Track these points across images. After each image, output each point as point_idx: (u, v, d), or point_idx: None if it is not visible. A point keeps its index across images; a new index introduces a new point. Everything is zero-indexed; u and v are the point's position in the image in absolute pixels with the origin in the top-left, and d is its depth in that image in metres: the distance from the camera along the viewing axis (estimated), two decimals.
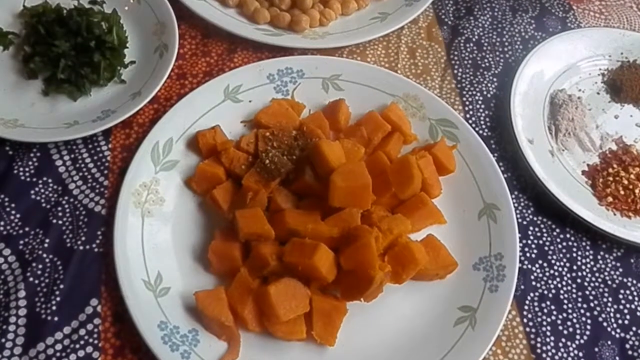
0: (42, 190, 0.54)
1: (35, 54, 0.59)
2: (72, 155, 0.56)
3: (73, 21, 0.60)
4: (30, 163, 0.55)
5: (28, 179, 0.55)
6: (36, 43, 0.60)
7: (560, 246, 0.57)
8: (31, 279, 0.50)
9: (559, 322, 0.53)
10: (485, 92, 0.66)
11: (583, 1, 0.75)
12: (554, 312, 0.53)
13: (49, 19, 0.60)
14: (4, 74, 0.60)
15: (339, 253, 0.49)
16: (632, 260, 0.57)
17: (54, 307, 0.49)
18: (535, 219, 0.58)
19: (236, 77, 0.61)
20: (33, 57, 0.59)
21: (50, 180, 0.55)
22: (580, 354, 0.51)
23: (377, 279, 0.48)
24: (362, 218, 0.51)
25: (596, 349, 0.52)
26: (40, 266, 0.51)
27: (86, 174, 0.55)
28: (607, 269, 0.56)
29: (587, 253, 0.57)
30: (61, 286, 0.50)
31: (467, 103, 0.65)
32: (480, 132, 0.63)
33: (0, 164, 0.55)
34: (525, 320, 0.52)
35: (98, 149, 0.57)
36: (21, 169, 0.55)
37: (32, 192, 0.54)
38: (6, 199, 0.54)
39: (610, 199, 0.59)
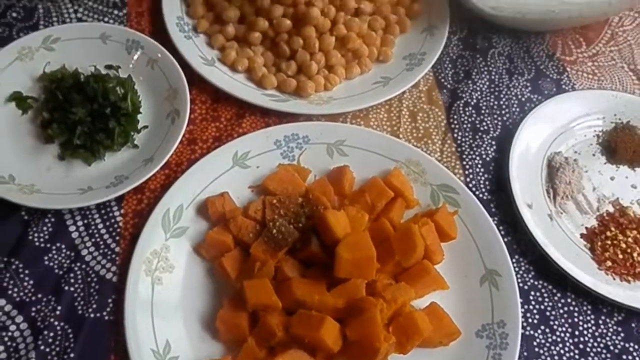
0: (56, 256, 0.53)
1: (53, 120, 0.58)
2: (85, 221, 0.55)
3: (90, 88, 0.59)
4: (44, 229, 0.54)
5: (42, 245, 0.54)
6: (54, 109, 0.59)
7: (561, 311, 0.55)
8: (42, 347, 0.49)
9: None
10: (484, 156, 0.65)
11: (576, 63, 0.75)
12: None
13: (67, 85, 0.60)
14: (22, 138, 0.59)
15: (344, 324, 0.48)
16: (633, 325, 0.55)
17: None
18: (536, 283, 0.57)
19: (244, 144, 0.60)
20: (51, 124, 0.58)
21: (63, 246, 0.54)
22: None
23: (382, 350, 0.46)
24: (366, 286, 0.49)
25: None
26: (51, 334, 0.49)
27: (98, 240, 0.54)
28: (609, 334, 0.54)
29: (588, 317, 0.55)
30: (71, 355, 0.48)
31: (467, 167, 0.64)
32: (481, 195, 0.62)
33: (16, 230, 0.54)
34: None
35: (110, 214, 0.56)
36: (36, 234, 0.54)
37: (46, 258, 0.53)
38: (20, 265, 0.52)
39: (609, 263, 0.58)
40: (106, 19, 0.68)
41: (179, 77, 0.62)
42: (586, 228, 0.61)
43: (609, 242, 0.59)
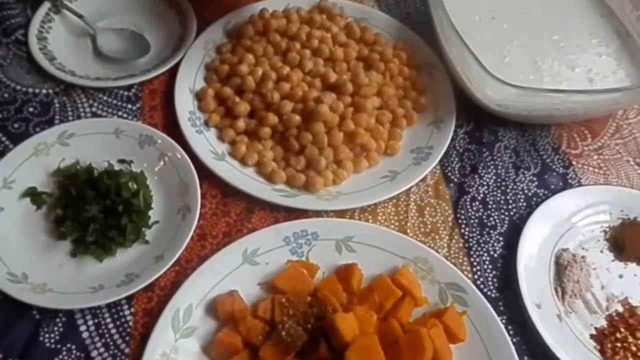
0: (66, 358, 0.57)
1: (66, 217, 0.64)
2: (96, 320, 0.59)
3: (103, 184, 0.65)
4: (55, 329, 0.58)
5: (53, 346, 0.58)
6: (67, 205, 0.65)
7: None
8: None
9: None
10: (492, 252, 0.70)
11: (582, 156, 0.81)
12: None
13: (81, 180, 0.66)
14: (35, 235, 0.64)
15: None
16: None
17: None
18: None
19: (254, 240, 0.65)
20: (64, 221, 0.63)
21: (73, 347, 0.58)
22: None
23: None
24: None
25: None
26: None
27: (108, 340, 0.58)
28: None
29: None
30: None
31: (475, 263, 0.69)
32: (489, 293, 0.66)
33: (27, 330, 0.58)
34: None
35: (121, 313, 0.60)
36: (47, 335, 0.58)
37: (56, 359, 0.57)
38: None
39: None
40: (120, 113, 0.75)
41: (191, 172, 0.68)
42: (595, 328, 0.65)
43: (619, 344, 0.63)
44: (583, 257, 0.70)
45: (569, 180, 0.78)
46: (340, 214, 0.71)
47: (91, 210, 0.63)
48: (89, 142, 0.70)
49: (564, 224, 0.73)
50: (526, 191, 0.76)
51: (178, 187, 0.68)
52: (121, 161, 0.70)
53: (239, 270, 0.63)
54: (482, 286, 0.67)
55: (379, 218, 0.72)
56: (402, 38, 0.88)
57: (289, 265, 0.64)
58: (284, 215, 0.70)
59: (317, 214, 0.70)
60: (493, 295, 0.66)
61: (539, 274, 0.68)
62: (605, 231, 0.74)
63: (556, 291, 0.67)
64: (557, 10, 0.90)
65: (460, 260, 0.69)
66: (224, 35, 0.84)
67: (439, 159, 0.75)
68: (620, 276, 0.70)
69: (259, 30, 0.84)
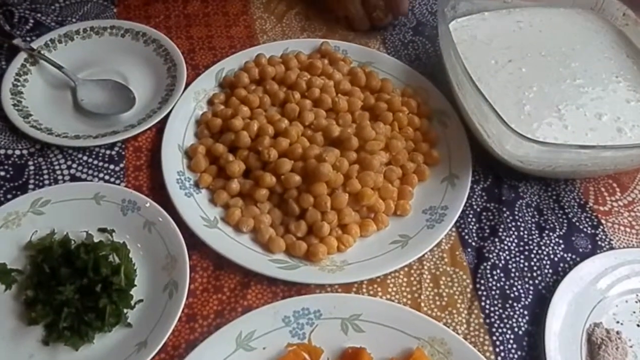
0: None
1: (38, 299, 0.59)
2: None
3: (80, 260, 0.60)
4: None
5: None
6: (40, 285, 0.60)
7: None
8: None
9: None
10: (516, 329, 0.65)
11: (611, 213, 0.76)
12: None
13: (56, 256, 0.61)
14: (3, 320, 0.59)
15: None
16: None
17: None
18: None
19: (249, 322, 0.60)
20: (36, 304, 0.58)
21: None
22: None
23: None
24: None
25: None
26: None
27: None
28: None
29: None
30: None
31: (498, 343, 0.63)
32: None
33: None
34: None
35: None
36: None
37: None
38: None
39: None
40: (101, 175, 0.70)
41: (179, 243, 0.63)
42: None
43: None
44: (618, 332, 0.65)
45: (599, 242, 0.73)
46: (347, 287, 0.65)
47: (65, 291, 0.58)
48: (66, 209, 0.65)
49: (595, 293, 0.67)
50: (552, 256, 0.71)
51: (165, 260, 0.63)
52: (102, 230, 0.65)
53: (232, 358, 0.58)
54: None
55: (390, 290, 0.66)
56: (411, 83, 0.84)
57: (289, 350, 0.59)
58: (283, 289, 0.65)
59: (321, 287, 0.65)
60: None
61: (569, 354, 0.62)
62: None
63: None
64: (579, 51, 0.86)
65: (482, 339, 0.64)
66: (217, 85, 0.80)
67: (454, 220, 0.70)
68: None
69: (255, 78, 0.80)
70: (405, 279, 0.68)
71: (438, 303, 0.66)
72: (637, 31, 0.87)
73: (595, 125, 0.77)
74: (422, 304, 0.66)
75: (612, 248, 0.72)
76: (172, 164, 0.71)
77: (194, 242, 0.65)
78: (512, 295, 0.67)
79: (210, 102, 0.78)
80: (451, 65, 0.77)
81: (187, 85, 0.78)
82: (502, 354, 0.63)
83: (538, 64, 0.83)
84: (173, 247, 0.64)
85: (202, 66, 0.83)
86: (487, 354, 0.62)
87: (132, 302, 0.61)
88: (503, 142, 0.71)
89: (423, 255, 0.69)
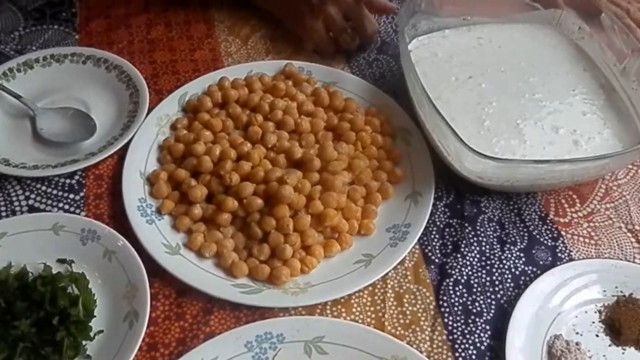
0: None
1: None
2: None
3: (37, 293, 0.59)
4: None
5: None
6: None
7: None
8: None
9: None
10: (478, 344, 0.64)
11: (571, 225, 0.76)
12: None
13: (12, 289, 0.59)
14: None
15: None
16: None
17: None
18: None
19: (211, 349, 0.59)
20: None
21: None
22: None
23: None
24: None
25: None
26: None
27: None
28: None
29: None
30: None
31: (460, 359, 0.63)
32: None
33: None
34: None
35: None
36: None
37: None
38: None
39: None
40: (61, 205, 0.69)
41: (140, 271, 0.62)
42: None
43: None
44: (577, 343, 0.65)
45: (559, 254, 0.73)
46: (311, 309, 0.64)
47: (21, 326, 0.56)
48: (24, 241, 0.64)
49: (555, 306, 0.67)
50: (513, 269, 0.71)
51: (125, 289, 0.62)
52: (60, 261, 0.63)
53: None
54: None
55: (354, 310, 0.66)
56: (375, 102, 0.83)
57: None
58: (247, 314, 0.64)
59: (285, 310, 0.64)
60: None
61: None
62: (599, 311, 0.68)
63: None
64: (537, 66, 0.86)
65: (444, 356, 0.63)
66: (180, 109, 0.79)
67: (417, 237, 0.70)
68: None
69: (218, 102, 0.79)
70: (369, 299, 0.67)
71: (402, 321, 0.65)
72: (592, 44, 0.88)
73: (552, 139, 0.77)
74: (386, 323, 0.65)
75: (571, 259, 0.72)
76: (134, 191, 0.69)
77: (156, 270, 0.64)
78: (474, 310, 0.67)
79: (173, 127, 0.77)
80: (411, 83, 0.77)
81: (150, 110, 0.77)
82: None
83: (497, 80, 0.83)
84: (134, 275, 0.62)
85: (166, 91, 0.82)
86: None
87: (92, 334, 0.59)
88: (461, 158, 0.70)
89: (387, 274, 0.68)
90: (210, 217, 0.69)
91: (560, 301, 0.67)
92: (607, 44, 0.86)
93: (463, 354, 0.63)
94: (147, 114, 0.77)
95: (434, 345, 0.64)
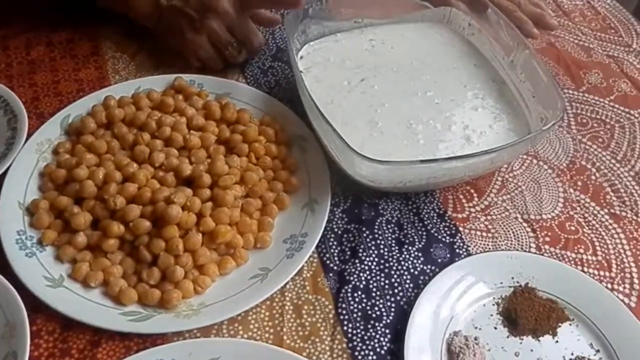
0: None
1: None
2: None
3: None
4: None
5: None
6: None
7: None
8: None
9: None
10: (378, 349, 0.64)
11: (469, 219, 0.77)
12: None
13: None
14: None
15: None
16: None
17: None
18: None
19: None
20: None
21: None
22: None
23: None
24: None
25: None
26: None
27: None
28: None
29: None
30: None
31: None
32: None
33: None
34: None
35: None
36: None
37: None
38: None
39: None
40: None
41: (18, 309, 0.59)
42: None
43: None
44: (476, 338, 0.66)
45: (457, 250, 0.74)
46: (206, 330, 0.63)
47: None
48: None
49: (452, 302, 0.68)
50: (412, 270, 0.71)
51: (3, 328, 0.59)
52: None
53: None
54: None
55: (251, 327, 0.65)
56: (269, 111, 0.83)
57: None
58: (138, 342, 0.62)
59: (178, 334, 0.62)
60: None
61: None
62: (497, 303, 0.70)
63: None
64: (429, 64, 0.88)
65: None
66: (63, 133, 0.76)
67: (314, 246, 0.70)
68: (517, 354, 0.66)
69: (103, 123, 0.76)
70: (267, 313, 0.66)
71: (301, 334, 0.65)
72: (482, 39, 0.90)
73: (445, 136, 0.78)
74: (285, 337, 0.64)
75: (469, 254, 0.73)
76: (11, 223, 0.66)
77: (38, 306, 0.61)
78: (373, 315, 0.67)
79: (55, 152, 0.74)
80: (301, 89, 0.76)
81: (30, 135, 0.74)
82: None
83: (390, 81, 0.84)
84: (12, 314, 0.59)
85: (48, 114, 0.78)
86: None
87: None
88: (352, 163, 0.71)
89: (285, 286, 0.68)
90: (96, 244, 0.66)
91: (458, 297, 0.68)
92: (495, 39, 0.88)
93: None
94: (27, 139, 0.73)
95: (334, 355, 0.64)
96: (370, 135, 0.76)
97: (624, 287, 0.72)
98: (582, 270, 0.73)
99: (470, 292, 0.69)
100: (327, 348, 0.64)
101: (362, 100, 0.81)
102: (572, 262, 0.74)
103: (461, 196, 0.80)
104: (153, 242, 0.65)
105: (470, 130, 0.79)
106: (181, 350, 0.60)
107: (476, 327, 0.67)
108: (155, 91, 0.81)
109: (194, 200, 0.68)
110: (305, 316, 0.66)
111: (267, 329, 0.65)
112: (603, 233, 0.78)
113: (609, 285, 0.72)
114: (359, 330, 0.66)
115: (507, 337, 0.67)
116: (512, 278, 0.71)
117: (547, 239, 0.76)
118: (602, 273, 0.74)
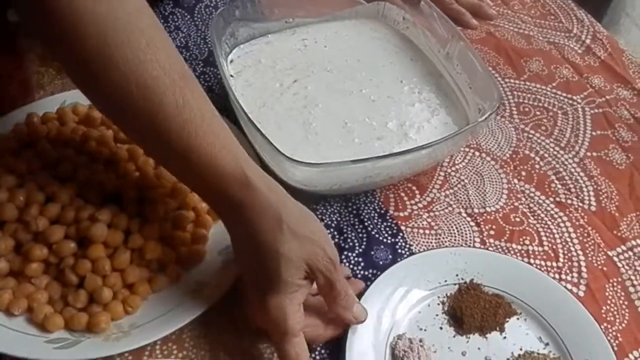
0: None
1: None
2: None
3: None
4: None
5: None
6: None
7: None
8: None
9: None
10: (318, 358, 0.64)
11: (411, 217, 0.77)
12: None
13: None
14: None
15: None
16: None
17: None
18: None
19: None
20: None
21: None
22: None
23: None
24: None
25: None
26: None
27: None
28: None
29: None
30: None
31: None
32: None
33: None
34: None
35: None
36: None
37: None
38: None
39: None
40: None
41: None
42: None
43: None
44: (421, 340, 0.66)
45: (399, 250, 0.73)
46: (139, 353, 0.62)
47: None
48: None
49: (395, 305, 0.68)
50: (353, 276, 0.71)
51: None
52: None
53: None
54: None
55: (186, 345, 0.63)
56: None
57: None
58: None
59: (110, 358, 0.61)
60: None
61: None
62: (442, 302, 0.69)
63: None
64: (364, 61, 0.87)
65: None
66: None
67: None
68: (464, 354, 0.66)
69: (25, 141, 0.74)
70: (203, 331, 0.65)
71: (239, 351, 0.64)
72: (417, 33, 0.90)
73: (382, 133, 0.78)
74: (223, 355, 0.63)
75: (412, 253, 0.73)
76: None
77: None
78: None
79: None
80: (230, 95, 0.75)
81: None
82: None
83: (324, 80, 0.84)
84: None
85: None
86: None
87: None
88: (283, 168, 0.70)
89: (222, 301, 0.66)
90: (19, 269, 0.64)
91: (400, 299, 0.68)
92: (430, 31, 0.88)
93: None
94: None
95: None
96: (305, 138, 0.76)
97: (572, 277, 0.73)
98: (529, 262, 0.74)
99: (413, 292, 0.69)
100: None
101: (295, 102, 0.80)
102: (518, 254, 0.75)
103: (403, 194, 0.79)
104: (79, 263, 0.64)
105: (407, 126, 0.79)
106: None
107: (421, 329, 0.67)
108: (82, 104, 0.79)
109: (121, 216, 0.66)
110: (244, 332, 0.65)
111: (203, 346, 0.64)
112: (549, 222, 0.78)
113: (557, 276, 0.73)
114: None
115: (454, 336, 0.67)
116: (457, 275, 0.71)
117: (492, 232, 0.76)
118: (549, 263, 0.74)
